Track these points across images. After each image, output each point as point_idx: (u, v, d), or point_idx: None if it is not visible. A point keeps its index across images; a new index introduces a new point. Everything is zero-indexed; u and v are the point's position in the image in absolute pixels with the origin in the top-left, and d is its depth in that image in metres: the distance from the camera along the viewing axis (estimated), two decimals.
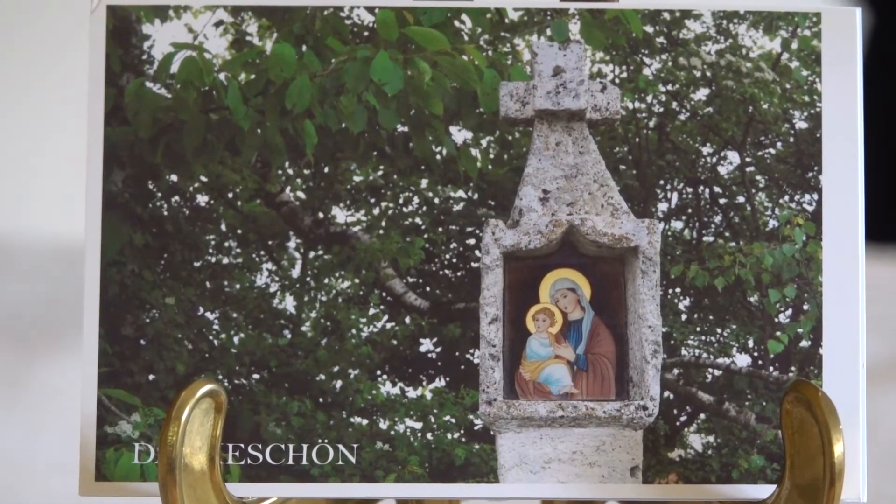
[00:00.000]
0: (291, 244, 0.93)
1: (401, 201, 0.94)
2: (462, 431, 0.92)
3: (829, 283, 0.93)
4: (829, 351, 0.92)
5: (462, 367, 0.93)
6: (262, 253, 0.93)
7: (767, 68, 0.94)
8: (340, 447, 0.92)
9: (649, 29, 0.94)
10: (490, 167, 0.94)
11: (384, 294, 0.93)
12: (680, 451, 0.92)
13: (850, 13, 0.94)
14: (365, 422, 0.92)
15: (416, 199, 0.94)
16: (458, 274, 0.93)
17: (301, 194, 0.94)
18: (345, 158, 0.94)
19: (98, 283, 0.93)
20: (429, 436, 0.92)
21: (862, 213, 0.93)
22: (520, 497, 0.92)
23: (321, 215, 0.94)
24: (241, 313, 0.93)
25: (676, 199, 0.94)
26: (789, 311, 0.93)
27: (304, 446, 0.92)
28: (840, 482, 0.86)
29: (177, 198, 0.94)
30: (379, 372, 0.93)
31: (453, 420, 0.92)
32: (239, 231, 0.93)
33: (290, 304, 0.93)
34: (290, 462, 0.92)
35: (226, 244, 0.93)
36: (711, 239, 0.93)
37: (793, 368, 0.92)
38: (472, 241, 0.93)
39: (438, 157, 0.94)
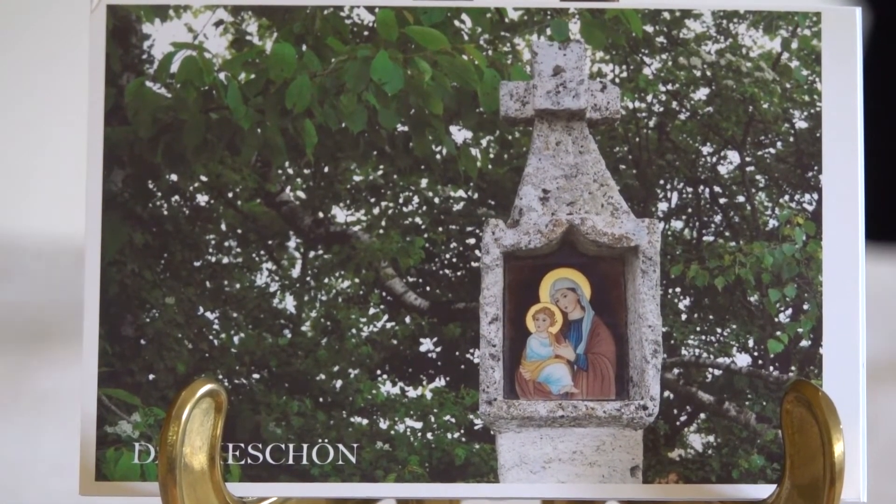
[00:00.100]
0: (291, 244, 0.93)
1: (401, 201, 0.94)
2: (462, 431, 0.92)
3: (829, 282, 0.93)
4: (829, 350, 0.92)
5: (462, 366, 0.93)
6: (262, 252, 0.93)
7: (767, 68, 0.94)
8: (340, 447, 0.92)
9: (649, 28, 0.94)
10: (490, 167, 0.94)
11: (384, 294, 0.93)
12: (680, 450, 0.92)
13: (850, 13, 0.94)
14: (365, 421, 0.92)
15: (416, 199, 0.94)
16: (459, 273, 0.93)
17: (301, 194, 0.94)
18: (345, 158, 0.94)
19: (98, 282, 0.93)
20: (429, 435, 0.92)
21: (862, 213, 0.93)
22: (520, 497, 0.92)
23: (321, 215, 0.94)
24: (241, 313, 0.93)
25: (676, 198, 0.94)
26: (789, 311, 0.93)
27: (305, 446, 0.92)
28: (840, 482, 0.86)
29: (177, 197, 0.94)
30: (379, 372, 0.93)
31: (453, 420, 0.92)
32: (239, 231, 0.93)
33: (290, 303, 0.93)
34: (291, 462, 0.92)
35: (226, 244, 0.93)
36: (711, 238, 0.93)
37: (793, 368, 0.92)
38: (472, 241, 0.93)
39: (438, 156, 0.94)
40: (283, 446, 0.92)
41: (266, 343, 0.93)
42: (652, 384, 0.92)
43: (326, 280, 0.93)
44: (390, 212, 0.94)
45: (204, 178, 0.94)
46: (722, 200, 0.94)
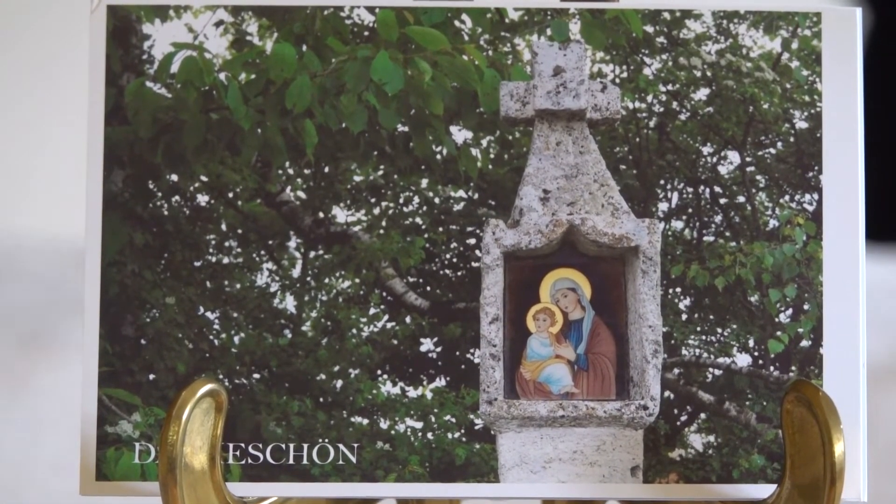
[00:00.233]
0: (292, 244, 0.93)
1: (401, 201, 0.94)
2: (462, 431, 0.92)
3: (830, 282, 0.93)
4: (829, 350, 0.92)
5: (462, 366, 0.93)
6: (263, 253, 0.93)
7: (768, 68, 0.94)
8: (341, 447, 0.92)
9: (649, 29, 0.94)
10: (490, 167, 0.94)
11: (384, 294, 0.93)
12: (680, 450, 0.92)
13: (851, 13, 0.94)
14: (365, 421, 0.92)
15: (416, 199, 0.94)
16: (459, 274, 0.93)
17: (301, 194, 0.94)
18: (345, 158, 0.94)
19: (98, 282, 0.93)
20: (429, 435, 0.92)
21: (862, 213, 0.93)
22: (520, 497, 0.92)
23: (321, 215, 0.94)
24: (241, 313, 0.93)
25: (677, 198, 0.94)
26: (790, 311, 0.93)
27: (305, 446, 0.92)
28: (840, 482, 0.86)
29: (177, 197, 0.94)
30: (379, 371, 0.93)
31: (454, 420, 0.92)
32: (239, 231, 0.93)
33: (290, 303, 0.93)
34: (291, 462, 0.92)
35: (226, 244, 0.93)
36: (712, 239, 0.93)
37: (793, 368, 0.92)
38: (472, 241, 0.93)
39: (439, 156, 0.94)
40: (283, 446, 0.92)
41: (266, 343, 0.93)
42: (652, 384, 0.92)
43: (327, 280, 0.93)
44: (391, 212, 0.94)
45: (204, 179, 0.94)
46: (722, 201, 0.94)
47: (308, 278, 0.93)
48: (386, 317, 0.93)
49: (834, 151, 0.93)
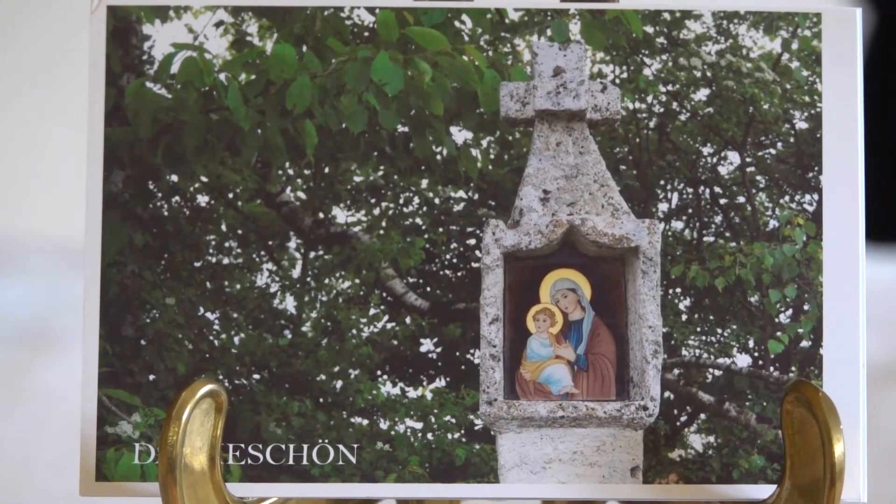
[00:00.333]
0: (292, 244, 0.93)
1: (401, 201, 0.94)
2: (462, 431, 0.92)
3: (830, 283, 0.93)
4: (829, 351, 0.92)
5: (462, 367, 0.93)
6: (263, 253, 0.93)
7: (768, 68, 0.94)
8: (341, 447, 0.92)
9: (649, 29, 0.94)
10: (490, 167, 0.94)
11: (384, 294, 0.93)
12: (680, 451, 0.92)
13: (851, 13, 0.94)
14: (365, 422, 0.92)
15: (416, 200, 0.94)
16: (459, 274, 0.93)
17: (301, 194, 0.94)
18: (345, 159, 0.94)
19: (98, 283, 0.93)
20: (429, 436, 0.92)
21: (862, 213, 0.93)
22: (520, 497, 0.92)
23: (321, 215, 0.94)
24: (241, 313, 0.93)
25: (677, 199, 0.94)
26: (790, 312, 0.93)
27: (305, 446, 0.92)
28: (840, 482, 0.86)
29: (177, 198, 0.94)
30: (379, 372, 0.93)
31: (454, 420, 0.92)
32: (239, 231, 0.93)
33: (290, 304, 0.93)
34: (291, 462, 0.92)
35: (226, 244, 0.93)
36: (712, 239, 0.93)
37: (793, 368, 0.92)
38: (472, 242, 0.93)
39: (439, 157, 0.94)
40: (283, 447, 0.92)
41: (266, 343, 0.93)
42: (652, 385, 0.92)
43: (327, 280, 0.93)
44: (391, 212, 0.94)
45: (204, 179, 0.94)
46: (722, 201, 0.94)
47: (308, 279, 0.93)
48: (386, 317, 0.93)
49: (834, 152, 0.93)
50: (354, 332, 0.93)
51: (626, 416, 0.92)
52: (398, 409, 0.92)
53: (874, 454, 1.02)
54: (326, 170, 0.94)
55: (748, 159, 0.94)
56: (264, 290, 0.93)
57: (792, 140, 0.94)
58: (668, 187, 0.94)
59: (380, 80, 0.94)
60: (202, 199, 0.94)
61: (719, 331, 0.93)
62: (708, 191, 0.94)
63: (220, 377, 0.92)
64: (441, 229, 0.94)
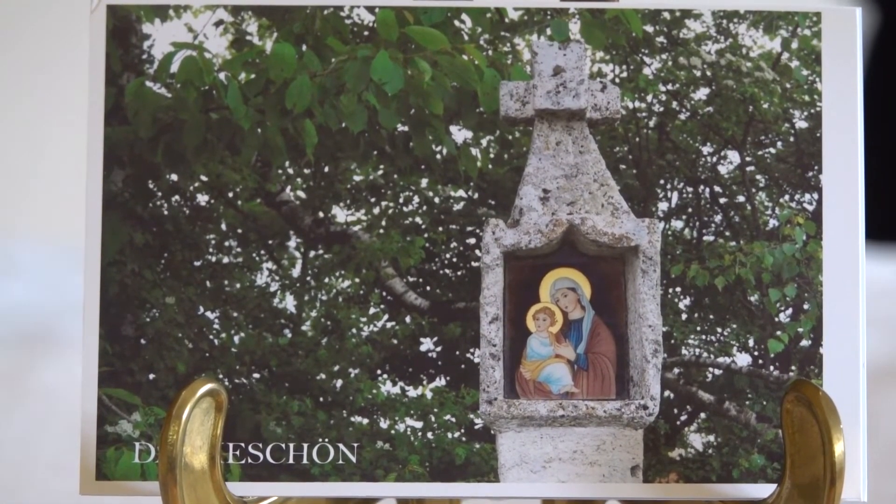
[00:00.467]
0: (292, 243, 0.93)
1: (401, 201, 0.94)
2: (462, 431, 0.92)
3: (830, 282, 0.93)
4: (829, 350, 0.92)
5: (462, 366, 0.93)
6: (263, 252, 0.93)
7: (767, 68, 0.94)
8: (341, 446, 0.92)
9: (649, 28, 0.94)
10: (490, 166, 0.94)
11: (384, 293, 0.93)
12: (680, 450, 0.92)
13: (850, 13, 0.94)
14: (365, 421, 0.92)
15: (416, 199, 0.94)
16: (459, 273, 0.93)
17: (301, 194, 0.94)
18: (345, 158, 0.94)
19: (98, 282, 0.93)
20: (429, 435, 0.92)
21: (862, 212, 0.93)
22: (520, 496, 0.92)
23: (321, 215, 0.94)
24: (241, 312, 0.93)
25: (676, 198, 0.94)
26: (789, 311, 0.93)
27: (305, 445, 0.92)
28: (840, 481, 0.86)
29: (177, 197, 0.94)
30: (379, 371, 0.93)
31: (454, 419, 0.92)
32: (239, 230, 0.93)
33: (290, 303, 0.93)
34: (291, 461, 0.92)
35: (226, 243, 0.93)
36: (712, 238, 0.93)
37: (793, 368, 0.92)
38: (472, 241, 0.93)
39: (439, 156, 0.94)
40: (283, 446, 0.92)
41: (266, 343, 0.93)
42: (652, 384, 0.92)
43: (327, 280, 0.93)
44: (390, 211, 0.94)
45: (204, 178, 0.94)
46: (722, 200, 0.94)
47: (308, 278, 0.93)
48: (386, 316, 0.93)
49: (834, 151, 0.93)
50: (354, 331, 0.93)
51: (626, 415, 0.92)
52: (398, 409, 0.92)
53: (874, 453, 1.02)
54: (326, 169, 0.94)
55: (748, 158, 0.94)
56: (264, 290, 0.93)
57: (792, 139, 0.94)
58: (668, 186, 0.94)
59: (379, 79, 0.94)
60: (202, 199, 0.94)
61: (719, 330, 0.93)
62: (708, 190, 0.94)
63: (220, 376, 0.92)
64: (441, 228, 0.94)
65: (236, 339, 0.93)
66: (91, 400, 0.92)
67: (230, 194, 0.94)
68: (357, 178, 0.94)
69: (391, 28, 0.94)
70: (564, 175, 0.94)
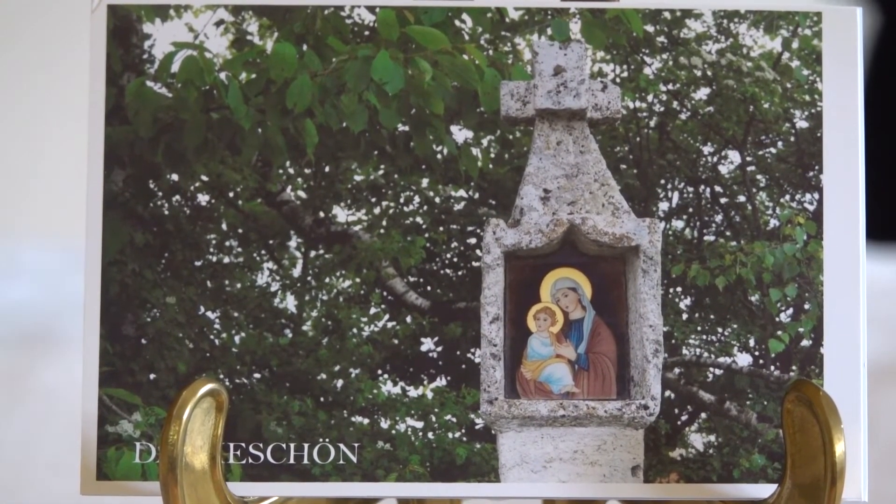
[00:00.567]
0: (292, 243, 0.93)
1: (402, 200, 0.94)
2: (463, 431, 0.92)
3: (830, 282, 0.93)
4: (830, 350, 0.92)
5: (463, 366, 0.93)
6: (263, 252, 0.93)
7: (768, 68, 0.94)
8: (341, 446, 0.92)
9: (650, 28, 0.94)
10: (491, 166, 0.94)
11: (385, 293, 0.93)
12: (681, 450, 0.92)
13: (851, 13, 0.94)
14: (366, 421, 0.92)
15: (416, 199, 0.94)
16: (459, 273, 0.93)
17: (302, 193, 0.94)
18: (346, 158, 0.94)
19: (99, 282, 0.93)
20: (430, 435, 0.92)
21: (863, 212, 0.93)
22: (521, 496, 0.92)
23: (322, 214, 0.94)
24: (242, 312, 0.93)
25: (677, 198, 0.94)
26: (790, 311, 0.93)
27: (306, 445, 0.92)
28: (841, 481, 0.86)
29: (177, 197, 0.94)
30: (380, 371, 0.93)
31: (454, 419, 0.92)
32: (240, 230, 0.93)
33: (291, 303, 0.93)
34: (292, 461, 0.92)
35: (227, 243, 0.93)
36: (712, 238, 0.93)
37: (794, 368, 0.92)
38: (472, 241, 0.93)
39: (439, 156, 0.94)
40: (284, 446, 0.92)
41: (267, 342, 0.93)
42: (653, 384, 0.92)
43: (327, 280, 0.93)
44: (391, 211, 0.94)
45: (205, 178, 0.94)
46: (723, 200, 0.94)
47: (308, 278, 0.93)
48: (386, 316, 0.93)
49: (834, 151, 0.93)
50: (355, 331, 0.93)
51: (626, 415, 0.92)
52: (399, 409, 0.92)
53: (875, 453, 1.02)
54: (327, 169, 0.94)
55: (749, 158, 0.94)
56: (265, 289, 0.93)
57: (792, 139, 0.94)
58: (669, 186, 0.94)
59: (380, 79, 0.94)
60: (203, 199, 0.94)
61: (720, 330, 0.93)
62: (708, 190, 0.94)
63: (221, 376, 0.92)
64: (441, 228, 0.94)
65: (237, 338, 0.93)
66: (92, 400, 0.92)
67: (231, 194, 0.94)
68: (358, 177, 0.94)
69: (392, 28, 0.94)
70: (565, 175, 0.94)
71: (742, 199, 0.94)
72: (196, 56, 0.94)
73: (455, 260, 0.94)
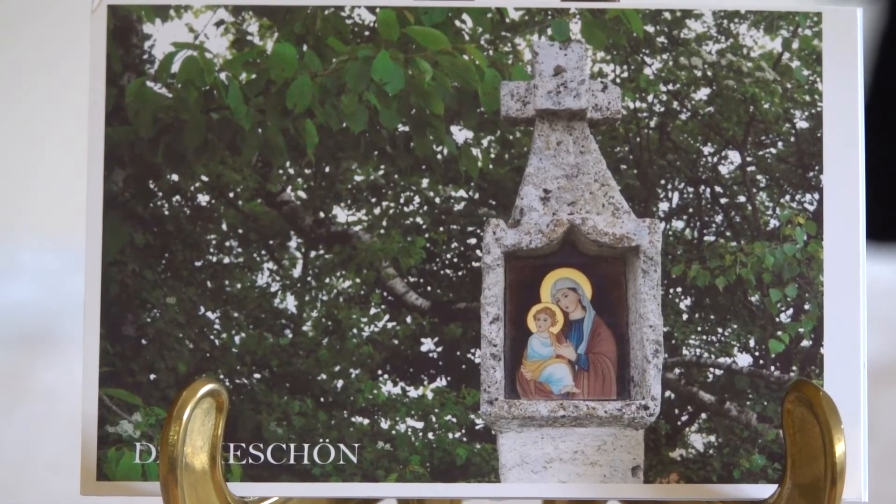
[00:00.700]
0: (292, 244, 0.93)
1: (402, 201, 0.94)
2: (463, 431, 0.92)
3: (830, 282, 0.93)
4: (830, 350, 0.92)
5: (463, 366, 0.93)
6: (264, 252, 0.93)
7: (768, 68, 0.94)
8: (342, 447, 0.92)
9: (650, 28, 0.94)
10: (491, 167, 0.94)
11: (385, 294, 0.93)
12: (681, 450, 0.92)
13: (851, 13, 0.94)
14: (366, 421, 0.92)
15: (417, 199, 0.94)
16: (460, 273, 0.93)
17: (302, 194, 0.94)
18: (346, 158, 0.94)
19: (99, 282, 0.93)
20: (430, 435, 0.92)
21: (863, 213, 0.93)
22: (521, 497, 0.92)
23: (322, 215, 0.94)
24: (242, 313, 0.93)
25: (677, 198, 0.94)
26: (790, 311, 0.93)
27: (306, 446, 0.92)
28: (841, 482, 0.86)
29: (178, 197, 0.94)
30: (380, 371, 0.93)
31: (454, 420, 0.92)
32: (240, 230, 0.93)
33: (291, 303, 0.93)
34: (292, 462, 0.92)
35: (227, 244, 0.93)
36: (712, 238, 0.93)
37: (794, 368, 0.92)
38: (473, 241, 0.93)
39: (439, 156, 0.94)
40: (284, 446, 0.92)
41: (267, 343, 0.93)
42: (653, 384, 0.92)
43: (327, 280, 0.93)
44: (391, 212, 0.94)
45: (205, 178, 0.94)
46: (723, 200, 0.94)
47: (309, 278, 0.93)
48: (387, 317, 0.93)
49: (834, 151, 0.93)
50: (355, 331, 0.93)
51: (626, 415, 0.92)
52: (399, 409, 0.92)
53: (875, 454, 1.02)
54: (327, 169, 0.94)
55: (749, 159, 0.94)
56: (265, 290, 0.93)
57: (792, 139, 0.94)
58: (669, 187, 0.94)
59: (380, 79, 0.94)
60: (203, 199, 0.94)
61: (720, 330, 0.93)
62: (708, 190, 0.94)
63: (221, 376, 0.92)
64: (442, 228, 0.94)
65: (237, 339, 0.93)
66: (92, 400, 0.92)
67: (231, 194, 0.94)
68: (358, 178, 0.94)
69: (392, 28, 0.94)
70: (565, 175, 0.94)
71: (742, 199, 0.94)
72: (196, 56, 0.94)
73: (455, 260, 0.94)
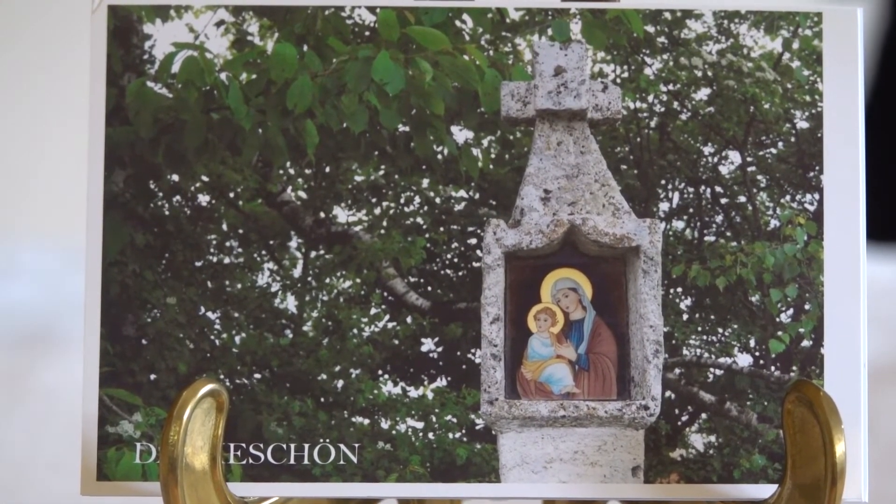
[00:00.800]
0: (293, 244, 0.93)
1: (402, 201, 0.94)
2: (463, 431, 0.92)
3: (831, 282, 0.93)
4: (830, 350, 0.92)
5: (463, 366, 0.93)
6: (264, 252, 0.93)
7: (768, 68, 0.94)
8: (342, 447, 0.92)
9: (650, 29, 0.94)
10: (491, 167, 0.94)
11: (385, 294, 0.93)
12: (681, 450, 0.92)
13: (851, 13, 0.94)
14: (366, 421, 0.92)
15: (417, 199, 0.94)
16: (460, 274, 0.93)
17: (302, 194, 0.94)
18: (346, 158, 0.94)
19: (99, 282, 0.93)
20: (430, 435, 0.92)
21: (863, 213, 0.93)
22: (521, 497, 0.92)
23: (322, 215, 0.94)
24: (242, 313, 0.93)
25: (678, 198, 0.94)
26: (791, 311, 0.93)
27: (306, 446, 0.92)
28: (842, 482, 0.86)
29: (178, 197, 0.94)
30: (380, 371, 0.93)
31: (455, 420, 0.92)
32: (240, 231, 0.93)
33: (291, 303, 0.93)
34: (292, 462, 0.92)
35: (227, 244, 0.93)
36: (713, 238, 0.93)
37: (794, 368, 0.92)
38: (473, 241, 0.93)
39: (440, 156, 0.94)
40: (284, 446, 0.92)
41: (267, 343, 0.93)
42: (653, 384, 0.92)
43: (328, 280, 0.93)
44: (392, 212, 0.94)
45: (205, 179, 0.94)
46: (723, 200, 0.94)
47: (309, 278, 0.93)
48: (387, 317, 0.93)
49: (835, 151, 0.93)
50: (355, 331, 0.93)
51: (627, 415, 0.92)
52: (399, 409, 0.92)
53: (875, 454, 1.02)
54: (327, 169, 0.94)
55: (749, 159, 0.94)
56: (265, 290, 0.93)
57: (793, 139, 0.94)
58: (669, 187, 0.94)
59: (381, 79, 0.94)
60: (203, 199, 0.94)
61: (720, 330, 0.93)
62: (709, 190, 0.94)
63: (222, 377, 0.92)
64: (442, 229, 0.94)
65: (237, 339, 0.93)
66: (92, 400, 0.92)
67: (231, 195, 0.94)
68: (358, 178, 0.94)
69: (392, 28, 0.94)
70: (565, 175, 0.94)
71: (742, 199, 0.94)
72: (196, 56, 0.94)
73: (455, 260, 0.94)
